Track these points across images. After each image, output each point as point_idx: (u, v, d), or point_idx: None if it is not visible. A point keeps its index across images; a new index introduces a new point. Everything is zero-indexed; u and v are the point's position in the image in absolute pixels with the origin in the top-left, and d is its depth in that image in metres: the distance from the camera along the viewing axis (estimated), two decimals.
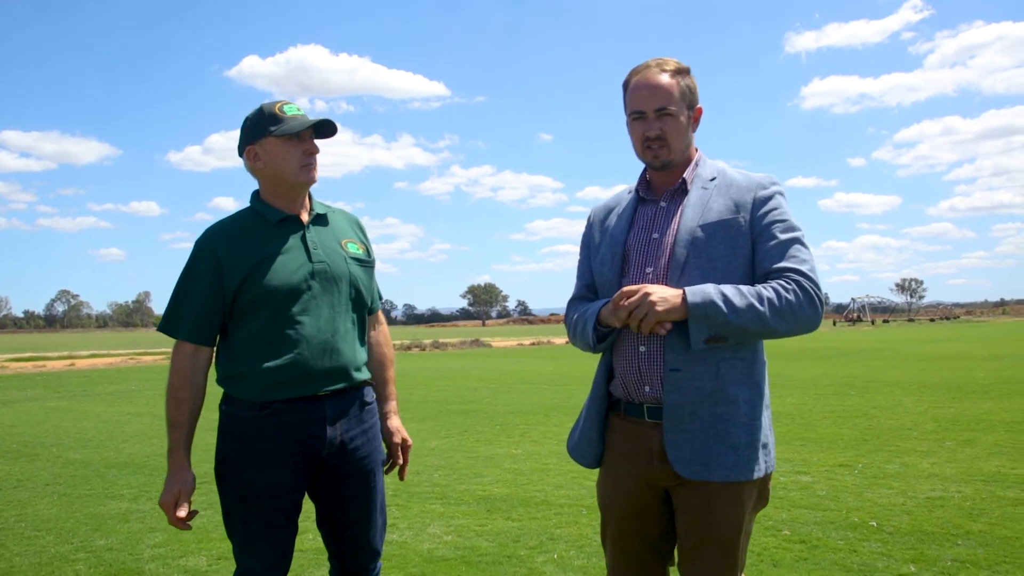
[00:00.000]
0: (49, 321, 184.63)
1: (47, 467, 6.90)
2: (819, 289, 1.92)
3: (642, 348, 1.99)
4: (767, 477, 2.02)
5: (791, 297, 1.88)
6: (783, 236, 1.95)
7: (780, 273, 1.92)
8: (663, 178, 2.10)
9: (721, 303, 1.85)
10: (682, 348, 1.92)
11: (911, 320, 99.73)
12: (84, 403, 12.43)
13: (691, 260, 1.96)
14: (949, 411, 9.17)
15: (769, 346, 2.12)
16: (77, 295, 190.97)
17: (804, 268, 1.92)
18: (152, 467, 6.73)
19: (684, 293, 1.88)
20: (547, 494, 5.42)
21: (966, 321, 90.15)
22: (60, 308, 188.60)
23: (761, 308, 1.86)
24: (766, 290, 1.89)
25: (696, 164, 2.10)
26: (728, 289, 1.88)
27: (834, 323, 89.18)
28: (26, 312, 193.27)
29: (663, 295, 1.88)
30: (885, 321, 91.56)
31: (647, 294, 1.88)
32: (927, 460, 6.27)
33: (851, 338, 36.41)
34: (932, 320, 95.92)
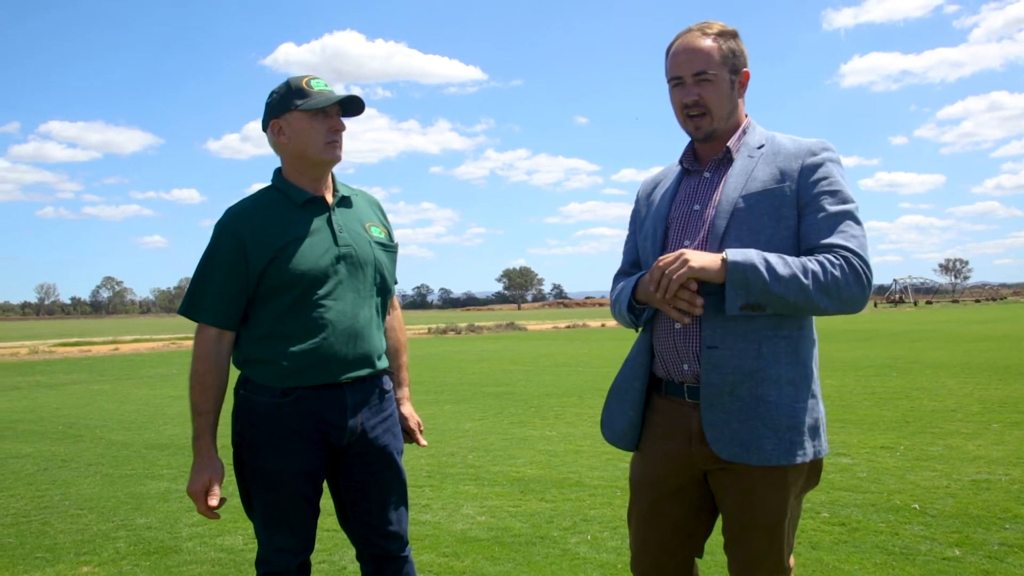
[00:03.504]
0: (95, 307, 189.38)
1: (91, 448, 7.06)
2: (868, 268, 1.80)
3: (678, 325, 1.90)
4: (817, 461, 1.92)
5: (837, 273, 1.77)
6: (833, 208, 1.83)
7: (827, 248, 1.81)
8: (708, 148, 2.00)
9: (763, 268, 1.75)
10: (720, 324, 1.83)
11: (955, 301, 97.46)
12: (127, 386, 12.70)
13: (731, 232, 1.85)
14: (995, 393, 8.93)
15: None
16: (121, 282, 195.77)
17: (853, 244, 1.80)
18: (191, 448, 6.83)
19: (725, 254, 1.78)
20: (581, 475, 5.39)
21: (1014, 302, 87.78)
22: (105, 294, 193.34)
23: (805, 280, 1.76)
24: (811, 263, 1.78)
25: (743, 131, 1.98)
26: (772, 256, 1.78)
27: (875, 304, 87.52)
28: (73, 299, 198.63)
29: (701, 253, 1.79)
30: (928, 302, 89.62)
31: (682, 253, 1.79)
32: (972, 442, 6.11)
33: (893, 319, 35.69)
34: (977, 301, 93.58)
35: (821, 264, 1.78)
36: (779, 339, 1.85)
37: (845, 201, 1.85)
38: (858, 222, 1.85)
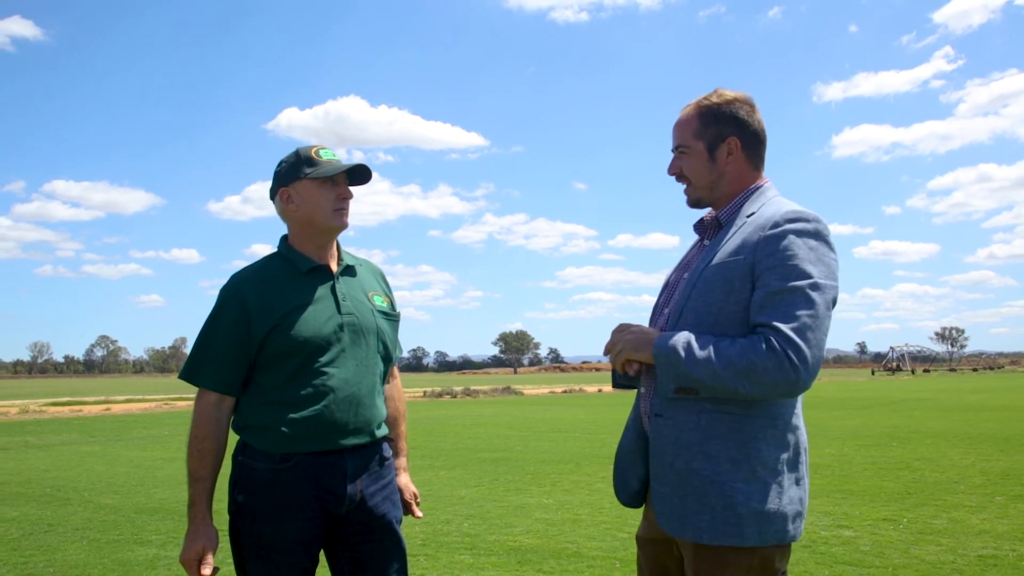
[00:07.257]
0: (88, 366, 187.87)
1: (78, 512, 6.91)
2: (795, 350, 1.65)
3: (642, 389, 1.93)
4: (773, 548, 1.76)
5: (755, 358, 1.66)
6: (776, 285, 1.71)
7: (759, 328, 1.71)
8: (710, 215, 2.02)
9: (682, 352, 1.73)
10: (667, 392, 1.82)
11: (953, 370, 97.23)
12: (117, 448, 12.51)
13: (690, 304, 1.84)
14: (998, 464, 8.84)
15: (804, 396, 1.88)
16: (116, 340, 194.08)
17: (784, 326, 1.66)
18: (181, 513, 6.68)
19: (655, 336, 1.81)
20: (579, 546, 5.28)
21: (1011, 371, 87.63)
22: (99, 353, 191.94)
23: (716, 365, 1.69)
24: (732, 346, 1.71)
25: (744, 198, 1.94)
26: (699, 339, 1.74)
27: (872, 372, 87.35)
28: (66, 357, 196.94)
29: (639, 335, 1.83)
30: (926, 370, 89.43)
31: (624, 329, 1.86)
32: (977, 516, 6.01)
33: (891, 387, 35.51)
34: (975, 370, 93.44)
35: (742, 348, 1.69)
36: (720, 414, 1.77)
37: (794, 277, 1.71)
38: (808, 301, 1.69)
